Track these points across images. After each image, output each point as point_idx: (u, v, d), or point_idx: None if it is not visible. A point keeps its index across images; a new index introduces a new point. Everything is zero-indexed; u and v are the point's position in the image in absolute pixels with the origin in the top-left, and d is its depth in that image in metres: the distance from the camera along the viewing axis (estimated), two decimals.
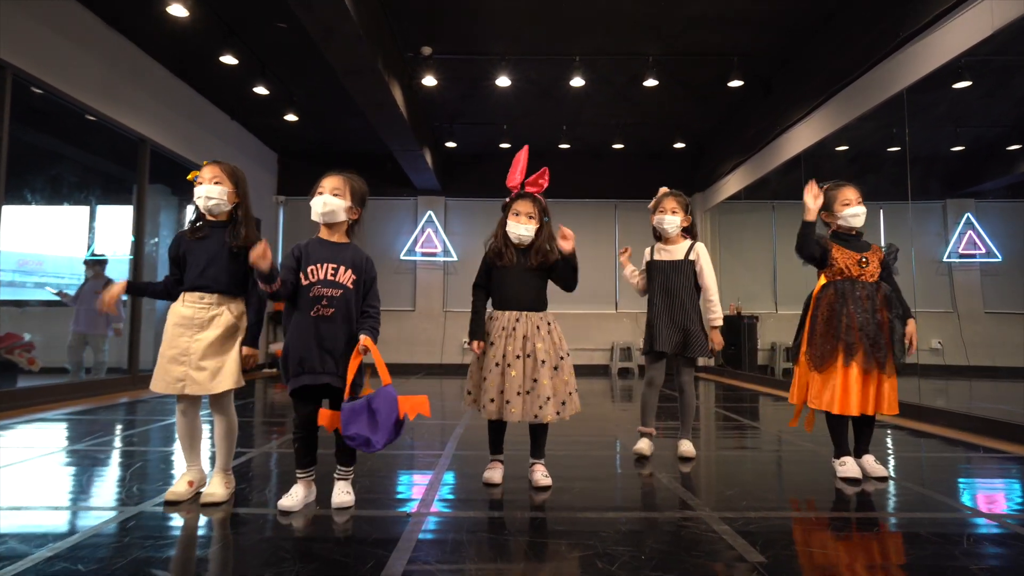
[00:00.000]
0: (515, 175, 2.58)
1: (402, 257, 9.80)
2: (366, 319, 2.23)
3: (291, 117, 7.73)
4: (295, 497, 2.18)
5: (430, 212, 9.83)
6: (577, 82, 6.53)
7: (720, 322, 3.09)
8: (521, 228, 2.50)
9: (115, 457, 3.13)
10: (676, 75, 6.80)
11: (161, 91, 6.58)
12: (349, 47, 4.96)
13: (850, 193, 2.75)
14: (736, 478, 2.82)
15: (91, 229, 6.83)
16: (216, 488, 2.26)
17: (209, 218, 2.34)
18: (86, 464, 2.94)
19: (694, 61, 6.55)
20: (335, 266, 2.20)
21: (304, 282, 2.17)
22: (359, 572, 1.64)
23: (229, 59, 5.96)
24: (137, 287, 2.60)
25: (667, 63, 6.48)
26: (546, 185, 2.59)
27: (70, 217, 6.80)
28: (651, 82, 6.47)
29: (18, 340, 5.70)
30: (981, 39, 4.02)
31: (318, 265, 2.19)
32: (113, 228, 6.91)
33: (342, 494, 2.22)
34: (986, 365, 7.08)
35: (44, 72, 4.97)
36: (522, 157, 2.60)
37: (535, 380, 2.43)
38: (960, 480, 2.86)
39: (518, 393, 2.41)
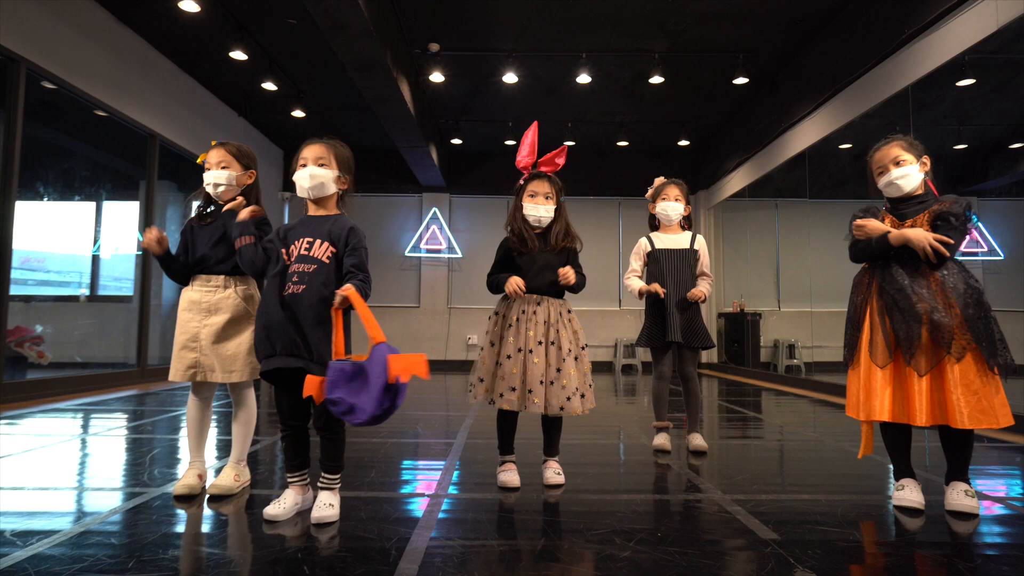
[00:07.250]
0: (526, 154, 2.40)
1: (407, 254, 9.85)
2: (349, 278, 1.91)
3: (298, 113, 7.77)
4: (283, 504, 1.94)
5: (435, 209, 9.88)
6: (583, 79, 6.56)
7: (706, 292, 3.06)
8: (541, 209, 2.37)
9: (129, 445, 3.18)
10: (682, 72, 6.84)
11: (170, 86, 6.63)
12: (358, 42, 5.00)
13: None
14: (743, 465, 2.86)
15: (98, 225, 6.86)
16: (224, 480, 2.18)
17: (220, 203, 2.25)
18: (100, 451, 2.99)
19: (699, 58, 6.59)
20: (311, 239, 1.97)
21: (287, 262, 1.97)
22: (384, 548, 1.69)
23: (238, 54, 6.01)
24: (170, 256, 2.24)
25: (673, 60, 6.52)
26: (563, 164, 2.40)
27: (76, 213, 6.80)
28: (657, 79, 6.51)
29: (28, 333, 5.75)
30: (985, 36, 4.06)
31: (297, 242, 1.98)
32: (119, 224, 6.93)
33: (323, 507, 1.91)
34: None
35: (55, 66, 5.01)
36: (531, 133, 2.43)
37: (558, 370, 2.27)
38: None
39: (540, 382, 2.24)
